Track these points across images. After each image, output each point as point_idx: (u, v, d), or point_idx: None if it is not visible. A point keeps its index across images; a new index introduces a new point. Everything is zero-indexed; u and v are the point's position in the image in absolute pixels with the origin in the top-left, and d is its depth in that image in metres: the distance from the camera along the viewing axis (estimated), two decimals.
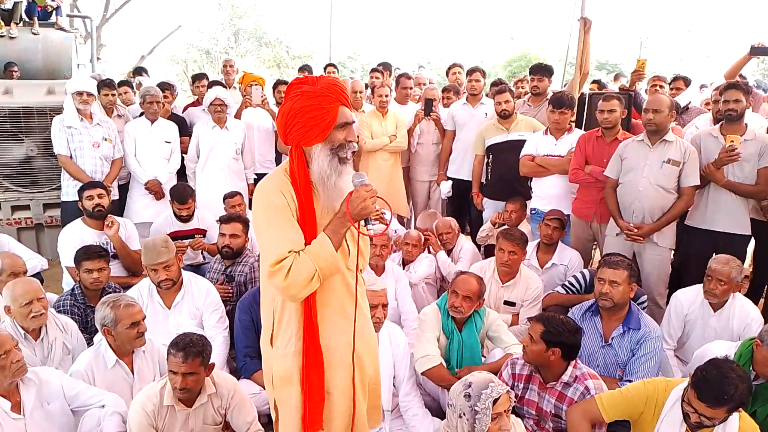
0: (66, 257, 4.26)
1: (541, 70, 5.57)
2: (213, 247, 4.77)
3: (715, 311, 3.66)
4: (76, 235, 4.33)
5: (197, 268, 4.71)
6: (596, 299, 3.43)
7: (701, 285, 3.70)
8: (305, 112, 2.05)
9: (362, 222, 2.10)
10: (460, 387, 2.38)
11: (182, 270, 3.80)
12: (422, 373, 3.32)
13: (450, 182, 5.76)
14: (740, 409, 2.45)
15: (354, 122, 2.14)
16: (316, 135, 2.06)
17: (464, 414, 2.30)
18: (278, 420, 2.41)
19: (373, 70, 7.46)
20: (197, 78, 7.17)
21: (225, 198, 5.04)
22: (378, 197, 2.10)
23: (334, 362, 2.24)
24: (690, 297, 3.76)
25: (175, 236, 4.57)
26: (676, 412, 2.55)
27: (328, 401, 2.25)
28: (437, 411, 3.41)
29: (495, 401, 2.28)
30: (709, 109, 5.35)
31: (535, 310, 4.02)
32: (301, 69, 8.22)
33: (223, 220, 4.32)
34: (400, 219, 5.97)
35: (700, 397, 2.37)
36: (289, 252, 2.02)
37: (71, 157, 5.04)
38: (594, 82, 7.58)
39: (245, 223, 4.23)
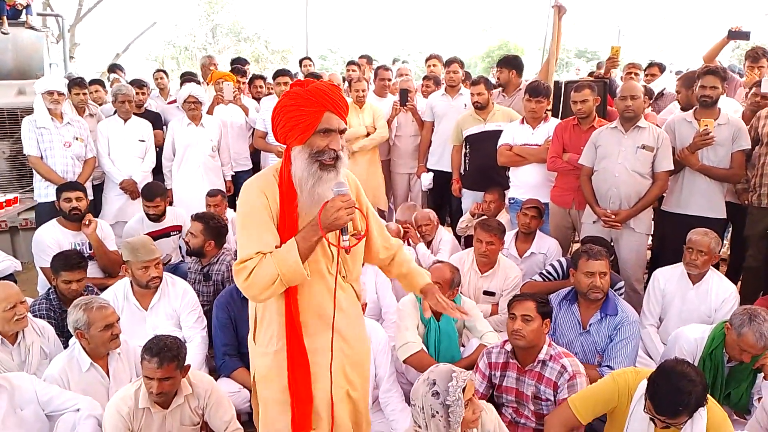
0: (41, 258, 4.20)
1: (503, 63, 5.65)
2: None
3: (694, 284, 3.71)
4: (52, 236, 4.26)
5: (175, 269, 4.65)
6: (585, 291, 3.35)
7: (680, 263, 3.77)
8: (286, 112, 2.05)
9: (339, 232, 2.02)
10: (424, 387, 2.30)
11: None
12: (404, 361, 3.31)
13: (431, 174, 5.75)
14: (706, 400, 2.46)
15: (341, 130, 2.07)
16: (295, 137, 2.04)
17: (437, 412, 2.24)
18: (259, 418, 2.39)
19: (350, 63, 7.42)
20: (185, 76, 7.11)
21: (207, 196, 5.03)
22: (357, 209, 2.04)
23: (314, 369, 2.19)
24: (667, 273, 3.84)
25: (152, 235, 4.50)
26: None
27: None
28: None
29: (463, 389, 2.27)
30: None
31: None
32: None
33: (191, 218, 4.31)
34: (380, 212, 5.95)
35: (657, 410, 2.36)
36: (257, 253, 2.01)
37: (42, 157, 4.95)
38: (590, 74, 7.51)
39: (207, 224, 4.14)
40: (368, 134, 5.67)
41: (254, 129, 6.09)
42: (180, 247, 4.98)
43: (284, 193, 2.07)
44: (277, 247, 2.03)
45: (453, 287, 3.41)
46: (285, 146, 2.14)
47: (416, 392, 2.33)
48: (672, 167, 4.08)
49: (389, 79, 6.29)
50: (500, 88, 5.71)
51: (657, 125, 4.37)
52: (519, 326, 2.88)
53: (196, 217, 4.22)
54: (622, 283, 3.90)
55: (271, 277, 1.98)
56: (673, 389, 2.32)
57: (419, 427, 2.31)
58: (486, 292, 4.13)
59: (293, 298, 2.10)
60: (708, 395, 2.43)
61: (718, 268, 3.87)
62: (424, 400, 2.28)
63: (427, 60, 7.13)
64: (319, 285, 2.15)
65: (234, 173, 5.89)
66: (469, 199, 5.33)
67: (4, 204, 4.07)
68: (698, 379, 2.36)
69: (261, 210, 2.06)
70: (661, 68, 6.36)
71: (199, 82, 6.68)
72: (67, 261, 3.65)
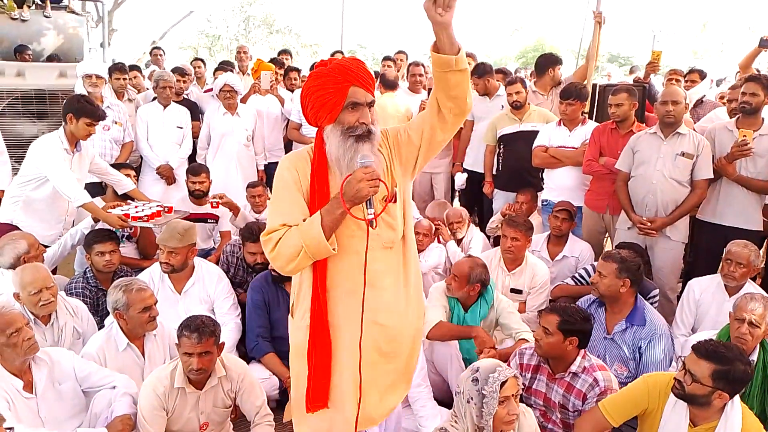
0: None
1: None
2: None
3: (730, 296, 3.65)
4: None
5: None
6: None
7: (717, 274, 3.72)
8: (313, 92, 2.04)
9: (364, 205, 1.98)
10: (468, 372, 2.39)
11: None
12: (427, 337, 3.29)
13: (465, 174, 5.70)
14: (743, 402, 2.47)
15: (369, 103, 2.05)
16: (325, 116, 2.05)
17: (472, 398, 2.30)
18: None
19: (386, 59, 7.42)
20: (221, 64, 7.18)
21: (247, 187, 5.07)
22: (382, 181, 1.99)
23: (341, 344, 2.19)
24: (704, 284, 3.78)
25: (188, 218, 4.55)
26: (679, 412, 2.54)
27: (336, 382, 2.21)
28: (447, 402, 3.39)
29: (502, 384, 2.29)
30: (724, 104, 5.31)
31: (542, 297, 4.01)
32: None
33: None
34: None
35: (694, 348, 2.45)
36: (282, 225, 2.05)
37: None
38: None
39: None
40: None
41: (289, 120, 6.14)
42: (212, 237, 5.03)
43: (315, 171, 2.09)
44: (304, 220, 2.05)
45: (471, 283, 3.38)
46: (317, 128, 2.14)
47: (462, 378, 2.40)
48: (711, 176, 4.01)
49: (421, 75, 6.27)
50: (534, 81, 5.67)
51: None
52: (538, 335, 2.90)
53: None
54: (656, 291, 3.86)
55: (296, 249, 2.01)
56: (719, 342, 2.50)
57: (456, 418, 2.34)
58: (513, 290, 4.11)
59: (322, 272, 2.12)
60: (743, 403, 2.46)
61: (755, 281, 3.82)
62: (464, 385, 2.35)
63: None
64: (350, 260, 2.13)
65: (267, 163, 5.94)
66: (501, 200, 5.31)
67: (162, 212, 4.17)
68: (745, 358, 2.44)
69: (290, 184, 2.10)
70: (702, 75, 6.25)
71: (233, 71, 6.74)
72: (97, 233, 3.80)
